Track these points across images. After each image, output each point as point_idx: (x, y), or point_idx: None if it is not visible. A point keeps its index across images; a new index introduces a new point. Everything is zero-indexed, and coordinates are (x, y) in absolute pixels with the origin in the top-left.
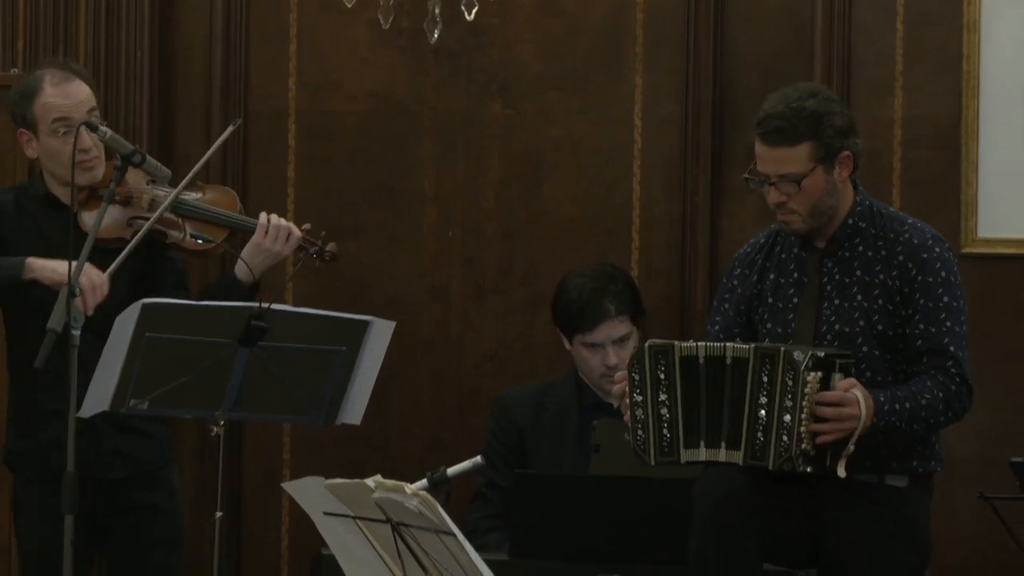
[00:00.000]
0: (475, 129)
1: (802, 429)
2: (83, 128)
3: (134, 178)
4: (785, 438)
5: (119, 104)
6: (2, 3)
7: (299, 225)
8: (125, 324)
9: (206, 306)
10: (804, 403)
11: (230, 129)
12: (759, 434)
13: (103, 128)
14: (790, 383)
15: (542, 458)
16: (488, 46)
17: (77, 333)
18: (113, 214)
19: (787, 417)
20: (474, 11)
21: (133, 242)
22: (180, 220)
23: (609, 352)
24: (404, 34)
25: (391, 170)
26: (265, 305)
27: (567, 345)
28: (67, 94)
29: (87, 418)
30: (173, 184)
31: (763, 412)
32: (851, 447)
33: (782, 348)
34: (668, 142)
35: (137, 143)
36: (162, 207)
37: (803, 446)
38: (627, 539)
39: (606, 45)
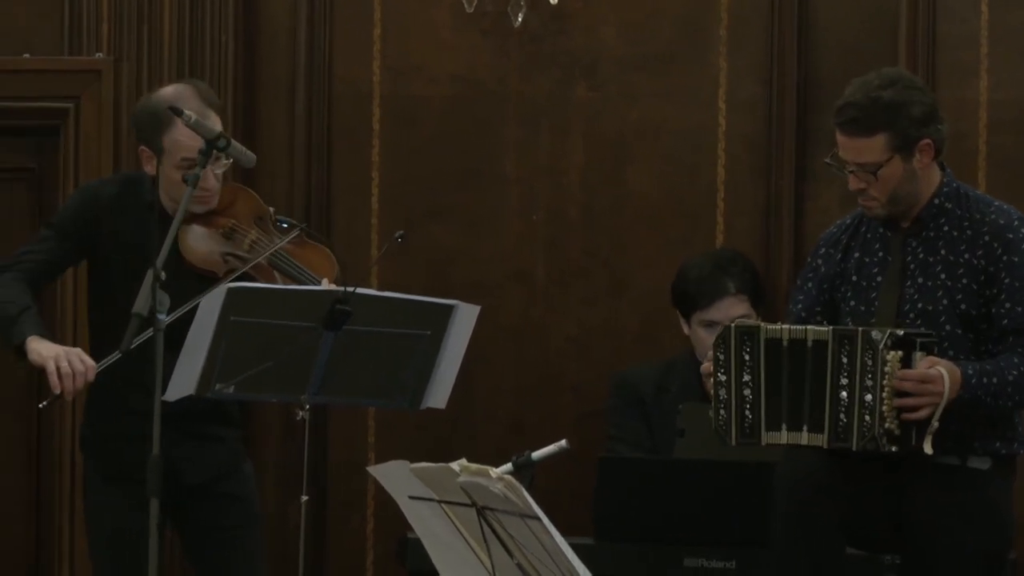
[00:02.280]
0: (558, 112)
1: (884, 408)
2: (208, 168)
3: (243, 213)
4: (867, 418)
5: None
6: None
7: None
8: (211, 308)
9: (291, 290)
10: (885, 382)
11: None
12: (842, 415)
13: (188, 112)
14: (869, 362)
15: (665, 440)
16: (571, 29)
17: (163, 317)
18: (212, 244)
19: (868, 396)
20: None
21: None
22: (271, 270)
23: None
24: (488, 17)
25: (474, 153)
26: (350, 289)
27: (685, 329)
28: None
29: (149, 422)
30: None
31: (844, 393)
32: (935, 423)
33: (860, 328)
34: (752, 124)
35: (221, 127)
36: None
37: (886, 425)
38: (710, 522)
39: (690, 27)
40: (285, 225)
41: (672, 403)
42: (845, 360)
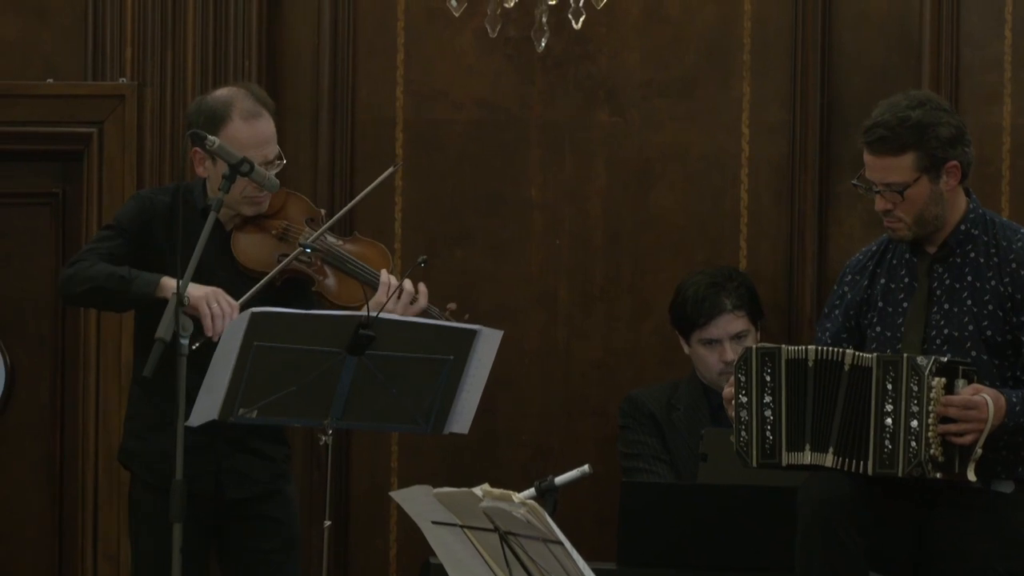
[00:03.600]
0: (582, 137)
1: (930, 434)
2: (264, 167)
3: (294, 214)
4: (913, 444)
5: None
6: (111, 11)
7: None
8: (234, 333)
9: (314, 314)
10: (930, 408)
11: (389, 171)
12: (887, 442)
13: (212, 138)
14: (915, 389)
15: (678, 456)
16: (595, 54)
17: (185, 343)
18: (265, 246)
19: (914, 423)
20: (581, 19)
21: (268, 276)
22: (323, 266)
23: (727, 348)
24: (511, 42)
25: (498, 178)
26: (373, 314)
27: (685, 348)
28: (255, 133)
29: (205, 436)
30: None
31: (889, 420)
32: (979, 451)
33: (905, 355)
34: (776, 149)
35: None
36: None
37: (931, 451)
38: (734, 547)
39: (713, 52)
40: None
41: (681, 420)
42: (890, 387)
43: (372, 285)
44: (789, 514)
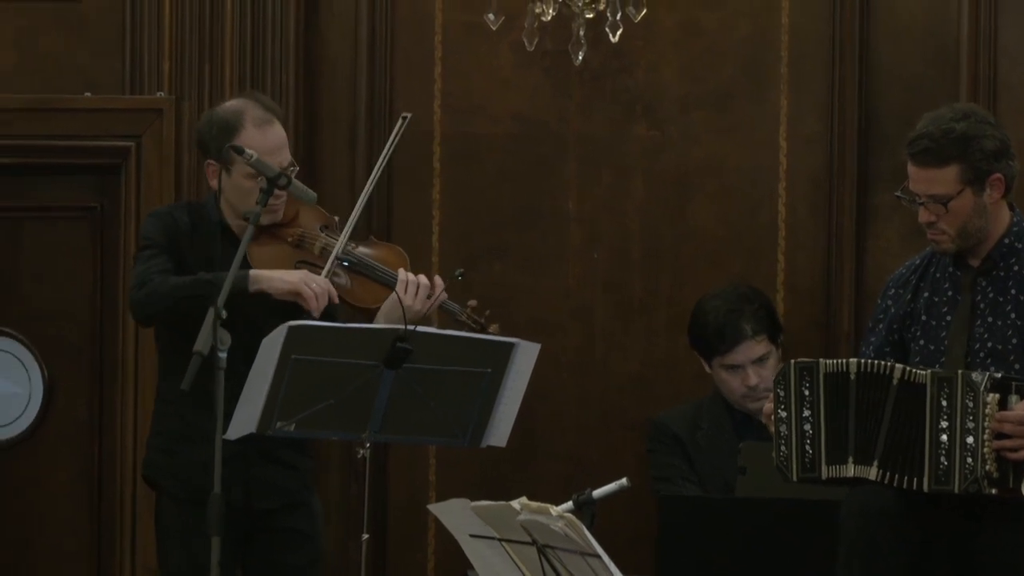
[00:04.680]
0: (619, 150)
1: (985, 450)
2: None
3: (309, 222)
4: (969, 460)
5: None
6: (148, 25)
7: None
8: (272, 346)
9: (352, 328)
10: (985, 424)
11: (400, 124)
12: (942, 459)
13: (249, 151)
14: (970, 405)
15: (705, 475)
16: (632, 67)
17: (224, 355)
18: (282, 255)
19: (970, 439)
20: (619, 33)
21: (327, 268)
22: (345, 272)
23: (749, 373)
24: (548, 56)
25: (535, 192)
26: (411, 327)
27: (707, 368)
28: (268, 140)
29: (236, 445)
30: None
31: (945, 437)
32: None
33: (960, 372)
34: (813, 162)
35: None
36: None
37: (987, 467)
38: (774, 561)
39: (750, 66)
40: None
41: (705, 439)
42: (945, 403)
43: (391, 286)
44: (829, 528)
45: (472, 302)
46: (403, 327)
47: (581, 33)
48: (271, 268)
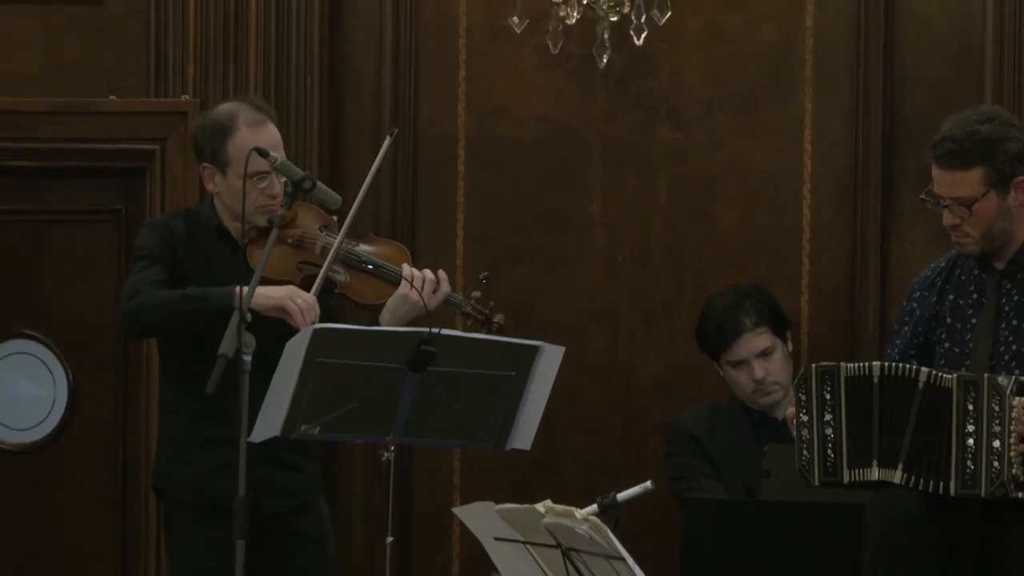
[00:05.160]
0: (643, 153)
1: (1012, 454)
2: (274, 174)
3: (307, 222)
4: (996, 464)
5: (289, 130)
6: (173, 28)
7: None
8: (296, 349)
9: (376, 331)
10: (1012, 428)
11: (388, 141)
12: (969, 463)
13: (273, 155)
14: (996, 408)
15: (725, 477)
16: (656, 70)
17: (248, 359)
18: (284, 256)
19: (996, 443)
20: (643, 36)
21: (320, 276)
22: (346, 270)
23: (754, 366)
24: (573, 59)
25: (559, 195)
26: (435, 330)
27: (719, 371)
28: (262, 139)
29: (238, 452)
30: (344, 231)
31: (971, 441)
32: None
33: (986, 376)
34: (838, 165)
35: (307, 169)
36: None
37: (1013, 471)
38: (798, 564)
39: (775, 68)
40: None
41: (723, 440)
42: (971, 407)
43: (394, 282)
44: (854, 531)
45: (476, 293)
46: (427, 330)
47: (606, 36)
48: (274, 269)
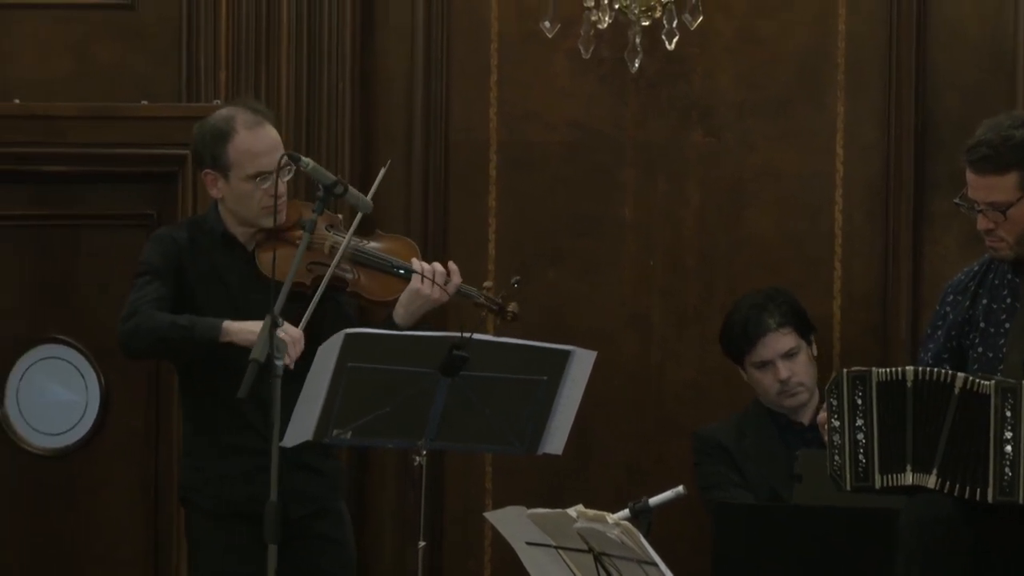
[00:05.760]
0: (675, 157)
1: None
2: (277, 177)
3: (317, 222)
4: None
5: (320, 134)
6: (205, 33)
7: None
8: (328, 354)
9: (408, 335)
10: None
11: (383, 172)
12: (1007, 469)
13: (305, 159)
14: None
15: (753, 483)
16: (688, 74)
17: (280, 364)
18: (291, 257)
19: None
20: (675, 40)
21: (319, 293)
22: (355, 267)
23: (779, 367)
24: (604, 63)
25: (591, 199)
26: (467, 335)
27: (744, 376)
28: (260, 140)
29: (264, 456)
30: (348, 230)
31: (1009, 448)
32: None
33: (1022, 381)
34: (870, 169)
35: (339, 173)
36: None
37: None
38: (832, 570)
39: (807, 73)
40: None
41: (751, 447)
42: (1009, 413)
43: (405, 278)
44: (887, 536)
45: (488, 283)
46: (459, 334)
47: (637, 40)
48: (283, 272)
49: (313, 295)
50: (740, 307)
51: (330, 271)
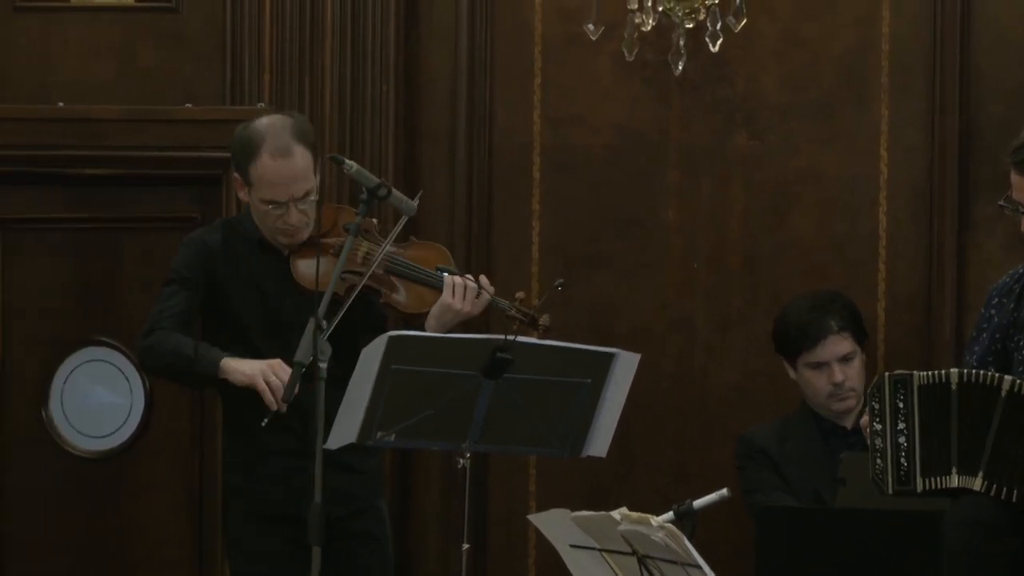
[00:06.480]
0: (719, 160)
1: None
2: (291, 204)
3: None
4: None
5: (364, 137)
6: (248, 36)
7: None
8: (372, 356)
9: (451, 338)
10: None
11: (403, 220)
12: None
13: (349, 162)
14: None
15: (795, 486)
16: (732, 77)
17: (324, 366)
18: (325, 267)
19: None
20: (719, 43)
21: (348, 302)
22: (388, 277)
23: (835, 370)
24: (648, 66)
25: (635, 202)
26: (510, 337)
27: (792, 374)
28: (280, 171)
29: (304, 458)
30: (383, 237)
31: None
32: None
33: None
34: (914, 172)
35: (382, 176)
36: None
37: None
38: (875, 573)
39: (851, 75)
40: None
41: (793, 451)
42: None
43: (437, 288)
44: (931, 539)
45: (520, 294)
46: (503, 337)
47: (681, 43)
48: (312, 281)
49: (345, 302)
50: (799, 307)
51: (363, 282)
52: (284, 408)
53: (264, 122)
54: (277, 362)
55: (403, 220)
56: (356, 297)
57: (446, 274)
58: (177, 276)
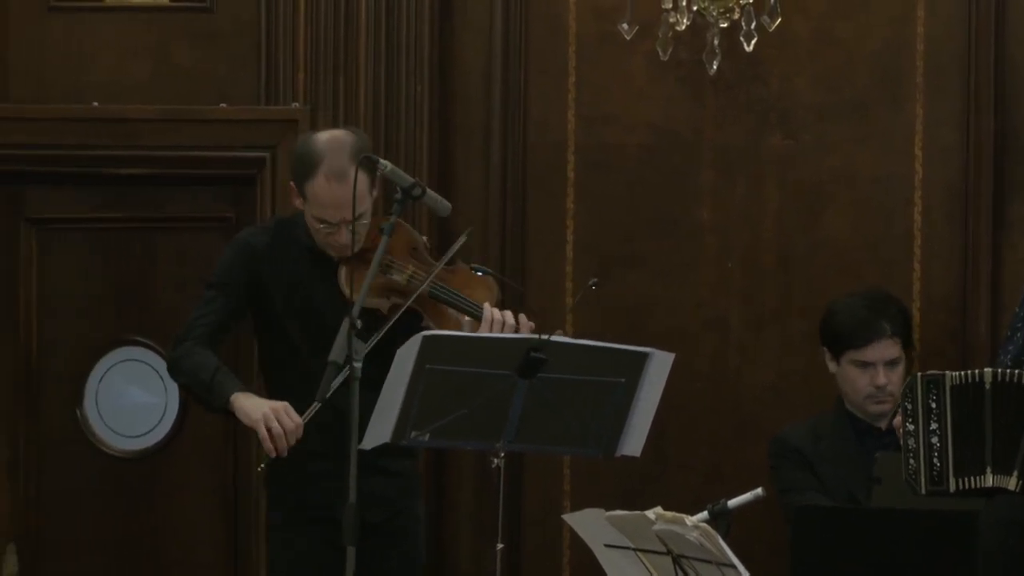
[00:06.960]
0: (753, 160)
1: None
2: (343, 225)
3: (398, 246)
4: None
5: (399, 136)
6: (283, 36)
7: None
8: (406, 357)
9: (486, 338)
10: None
11: (462, 239)
12: None
13: (383, 162)
14: None
15: (829, 486)
16: (766, 76)
17: (359, 366)
18: (373, 282)
19: None
20: (753, 42)
21: (390, 323)
22: (434, 301)
23: (880, 372)
24: (683, 65)
25: (669, 201)
26: (545, 336)
27: (832, 367)
28: (333, 195)
29: (339, 461)
30: (433, 274)
31: None
32: None
33: None
34: (949, 172)
35: (417, 175)
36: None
37: None
38: (910, 573)
39: (885, 75)
40: (480, 274)
41: (828, 450)
42: None
43: (476, 317)
44: (966, 539)
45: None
46: (537, 336)
47: (715, 42)
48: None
49: (388, 320)
50: (854, 304)
51: (406, 305)
52: (284, 454)
53: (324, 139)
54: (283, 406)
55: (456, 245)
56: (399, 320)
57: (486, 306)
58: (217, 280)
